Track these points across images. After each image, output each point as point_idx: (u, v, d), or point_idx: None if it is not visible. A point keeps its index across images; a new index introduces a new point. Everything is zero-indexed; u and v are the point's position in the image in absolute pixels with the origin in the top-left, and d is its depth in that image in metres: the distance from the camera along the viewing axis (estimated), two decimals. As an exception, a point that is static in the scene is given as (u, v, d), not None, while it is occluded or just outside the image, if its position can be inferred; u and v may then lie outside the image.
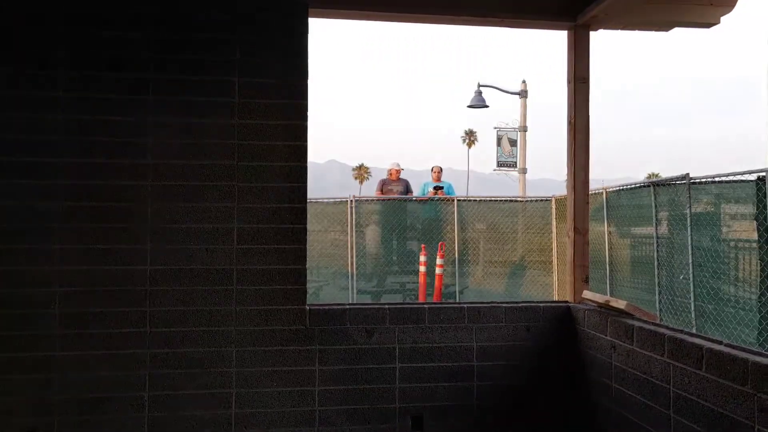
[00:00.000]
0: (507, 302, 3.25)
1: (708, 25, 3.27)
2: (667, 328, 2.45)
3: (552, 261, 9.57)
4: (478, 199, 9.71)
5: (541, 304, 3.24)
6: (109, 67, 2.96)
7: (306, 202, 3.09)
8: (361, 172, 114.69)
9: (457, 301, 9.40)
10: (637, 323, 2.61)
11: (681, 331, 2.38)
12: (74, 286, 2.90)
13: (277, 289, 3.03)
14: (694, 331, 6.00)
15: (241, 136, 3.03)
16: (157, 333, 2.94)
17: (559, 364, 3.17)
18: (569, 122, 3.32)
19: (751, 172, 5.24)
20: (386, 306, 3.13)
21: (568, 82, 3.33)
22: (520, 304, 3.23)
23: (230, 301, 2.99)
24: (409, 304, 3.07)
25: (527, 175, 17.78)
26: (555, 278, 9.54)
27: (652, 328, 2.50)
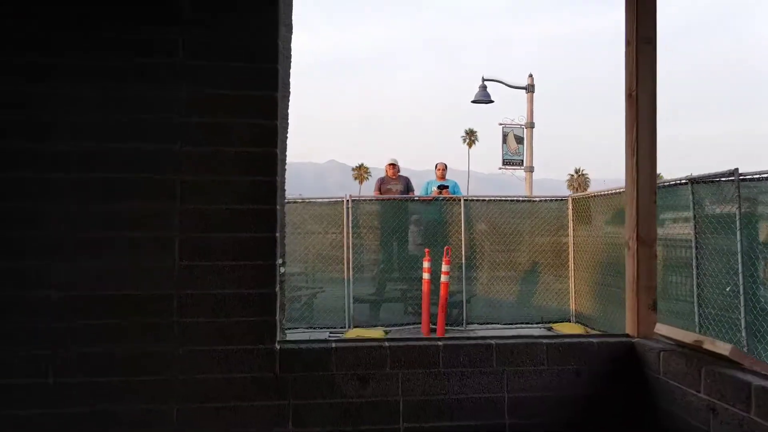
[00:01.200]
0: (548, 337, 2.41)
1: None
2: (816, 394, 1.61)
3: (568, 267, 8.72)
4: (486, 198, 8.86)
5: (594, 340, 2.40)
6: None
7: (276, 203, 2.26)
8: (361, 172, 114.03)
9: (466, 314, 8.56)
10: (755, 380, 1.77)
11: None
12: (-52, 320, 2.06)
13: (237, 322, 2.19)
14: (745, 351, 5.17)
15: (187, 112, 2.20)
16: (65, 386, 2.10)
17: (624, 426, 2.33)
18: (628, 95, 2.48)
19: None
20: (386, 344, 2.29)
21: (627, 43, 2.49)
22: (566, 340, 2.39)
23: (170, 339, 2.15)
24: (417, 340, 2.23)
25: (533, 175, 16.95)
26: (571, 285, 8.70)
27: (787, 391, 1.66)
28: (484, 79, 16.15)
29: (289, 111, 7.93)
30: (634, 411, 2.31)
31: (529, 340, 2.38)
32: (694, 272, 5.94)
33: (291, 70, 7.02)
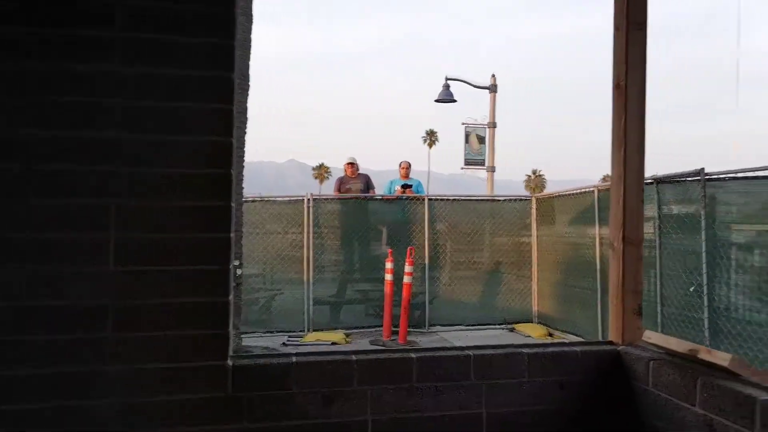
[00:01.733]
0: (529, 346, 2.22)
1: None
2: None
3: (531, 267, 8.67)
4: (451, 198, 8.72)
5: (578, 349, 2.22)
6: None
7: (231, 199, 2.00)
8: (322, 172, 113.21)
9: (428, 316, 8.40)
10: (761, 395, 1.62)
11: None
12: None
13: (183, 335, 1.91)
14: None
15: (128, 93, 1.90)
16: (-25, 413, 1.78)
17: (611, 441, 2.16)
18: (616, 85, 2.32)
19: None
20: (354, 357, 2.05)
21: (616, 29, 2.33)
22: (548, 349, 2.21)
23: (104, 356, 1.86)
24: (388, 352, 2.01)
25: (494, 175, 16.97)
26: (534, 286, 8.66)
27: (798, 408, 1.51)
28: (447, 79, 16.08)
29: (248, 105, 7.54)
30: (621, 426, 2.14)
31: (509, 349, 2.18)
32: (658, 272, 5.93)
33: (250, 62, 6.63)
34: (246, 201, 8.26)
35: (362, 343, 7.85)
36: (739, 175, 5.07)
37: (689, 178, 5.43)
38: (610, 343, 2.30)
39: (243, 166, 7.59)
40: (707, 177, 5.23)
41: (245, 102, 7.38)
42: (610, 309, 2.36)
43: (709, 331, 5.20)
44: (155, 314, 1.88)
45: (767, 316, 4.76)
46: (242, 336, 7.89)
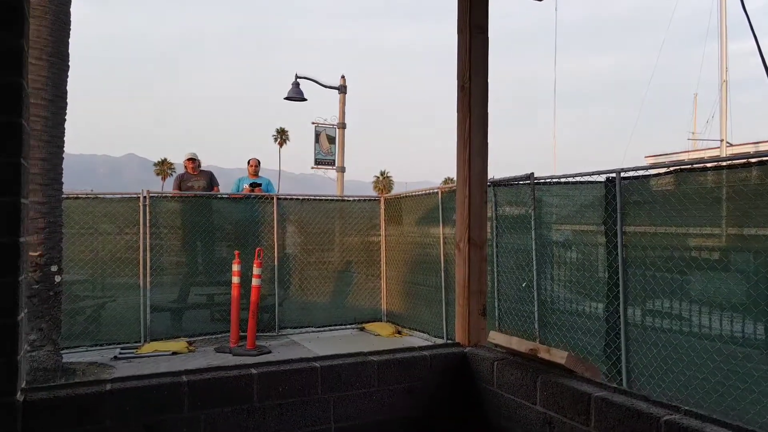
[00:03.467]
0: (378, 353, 2.14)
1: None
2: (656, 403, 1.55)
3: (380, 266, 8.81)
4: (300, 197, 8.53)
5: (427, 353, 2.19)
6: None
7: (20, 191, 1.62)
8: (164, 168, 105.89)
9: (278, 318, 8.12)
10: (595, 391, 1.68)
11: (677, 409, 1.50)
12: None
13: (-45, 367, 1.51)
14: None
15: None
16: None
17: (458, 445, 2.15)
18: (461, 87, 2.33)
19: (600, 173, 4.92)
20: (184, 378, 1.79)
21: (460, 32, 2.34)
22: (397, 356, 2.14)
23: None
24: (224, 370, 1.79)
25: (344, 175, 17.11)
26: (383, 285, 8.81)
27: (627, 402, 1.58)
28: (297, 77, 15.82)
29: (67, 88, 6.60)
30: (469, 427, 2.15)
31: (358, 358, 2.08)
32: (495, 269, 6.32)
33: (71, 41, 5.78)
34: (69, 198, 7.32)
35: (207, 351, 7.36)
36: (562, 180, 5.56)
37: (521, 182, 5.85)
38: (457, 344, 2.30)
39: (62, 158, 6.66)
40: (536, 181, 5.67)
41: (65, 84, 6.47)
42: (456, 310, 2.37)
43: (538, 323, 5.65)
44: None
45: (583, 306, 5.29)
46: (63, 352, 6.90)
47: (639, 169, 4.49)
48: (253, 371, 1.90)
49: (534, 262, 5.65)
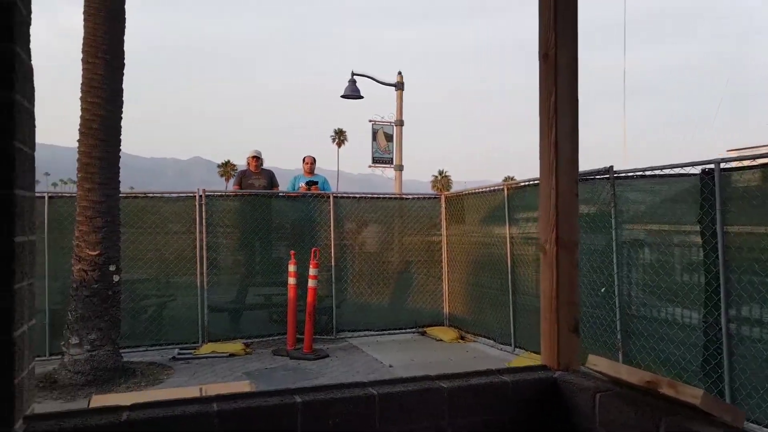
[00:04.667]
0: (449, 378, 1.76)
1: None
2: None
3: (441, 267, 8.40)
4: (357, 195, 8.24)
5: (508, 378, 1.79)
6: None
7: (13, 185, 1.34)
8: (228, 169, 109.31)
9: (335, 321, 7.86)
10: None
11: None
12: None
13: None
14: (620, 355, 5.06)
15: None
16: None
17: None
18: (544, 56, 1.91)
19: (694, 164, 4.32)
20: (214, 408, 1.48)
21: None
22: (472, 381, 1.76)
23: None
24: (259, 397, 1.46)
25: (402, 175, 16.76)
26: (445, 287, 8.39)
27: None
28: (353, 74, 15.62)
29: (123, 86, 6.48)
30: (561, 474, 1.73)
31: (425, 384, 1.71)
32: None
33: (125, 37, 5.57)
34: (127, 197, 7.34)
35: (264, 353, 7.20)
36: (647, 173, 4.98)
37: (598, 176, 5.30)
38: (544, 368, 1.89)
39: (119, 156, 6.46)
40: (616, 175, 5.11)
41: (120, 82, 6.29)
42: (541, 324, 1.96)
43: (621, 333, 5.09)
44: None
45: (673, 314, 4.70)
46: (124, 352, 6.82)
47: (744, 159, 3.88)
48: (297, 399, 1.56)
49: (614, 265, 5.10)
